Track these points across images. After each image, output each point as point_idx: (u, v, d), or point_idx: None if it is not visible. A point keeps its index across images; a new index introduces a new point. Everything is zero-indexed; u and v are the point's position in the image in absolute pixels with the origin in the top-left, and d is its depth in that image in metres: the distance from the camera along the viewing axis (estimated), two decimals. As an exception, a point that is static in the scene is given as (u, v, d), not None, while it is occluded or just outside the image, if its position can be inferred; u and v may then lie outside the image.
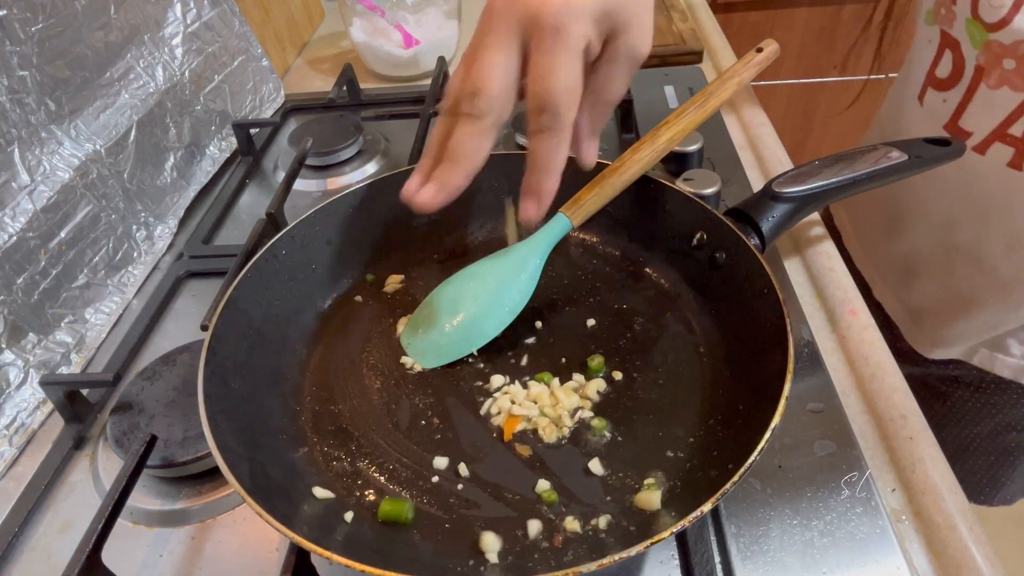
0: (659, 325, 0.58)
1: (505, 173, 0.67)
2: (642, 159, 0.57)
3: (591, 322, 0.59)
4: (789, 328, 0.46)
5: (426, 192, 0.45)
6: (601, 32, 0.42)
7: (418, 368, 0.57)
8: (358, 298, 0.63)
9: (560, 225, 0.56)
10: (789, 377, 0.43)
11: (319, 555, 0.38)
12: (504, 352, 0.57)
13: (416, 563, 0.43)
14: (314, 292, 0.62)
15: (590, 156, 0.48)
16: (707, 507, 0.38)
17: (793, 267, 0.69)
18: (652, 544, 0.37)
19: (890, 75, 0.99)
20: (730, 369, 0.53)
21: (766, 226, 0.58)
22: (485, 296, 0.57)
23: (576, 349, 0.57)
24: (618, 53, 0.42)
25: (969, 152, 0.74)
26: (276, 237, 0.59)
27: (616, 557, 0.36)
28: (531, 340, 0.58)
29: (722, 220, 0.57)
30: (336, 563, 0.37)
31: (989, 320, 0.81)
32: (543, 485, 0.47)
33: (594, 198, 0.56)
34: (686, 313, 0.59)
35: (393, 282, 0.64)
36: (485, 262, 0.59)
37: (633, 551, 0.37)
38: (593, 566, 0.36)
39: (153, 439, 0.51)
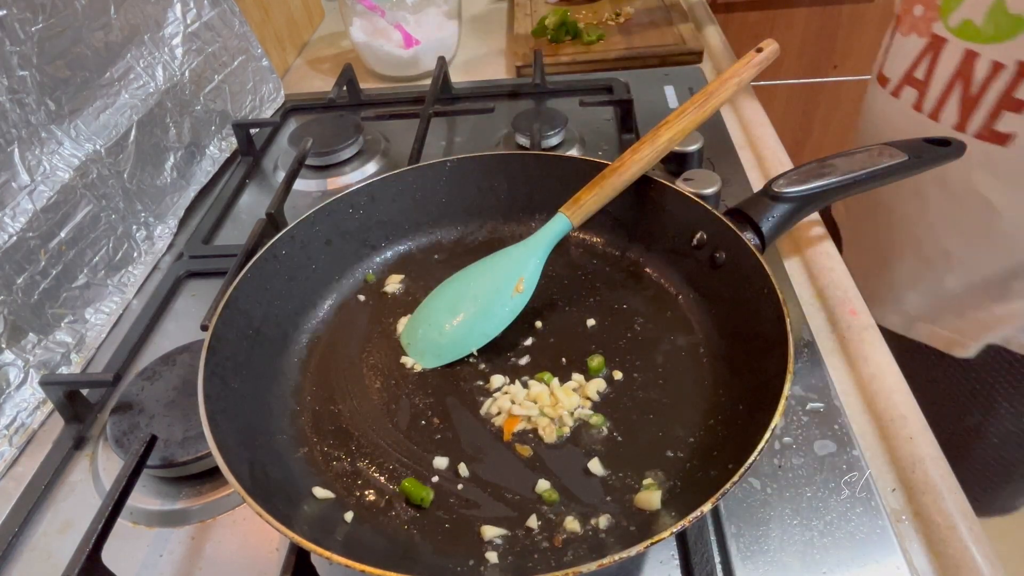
0: (659, 325, 0.58)
1: (506, 174, 0.67)
2: (642, 159, 0.57)
3: (591, 322, 0.59)
4: (789, 328, 0.46)
5: None
6: None
7: (418, 368, 0.57)
8: (360, 297, 0.63)
9: (560, 225, 0.57)
10: (789, 377, 0.43)
11: (319, 555, 0.38)
12: (504, 352, 0.57)
13: (416, 563, 0.43)
14: (314, 292, 0.62)
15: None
16: (707, 507, 0.38)
17: (793, 267, 0.69)
18: (652, 544, 0.37)
19: None
20: (730, 369, 0.53)
21: (766, 226, 0.58)
22: (485, 296, 0.57)
23: (576, 349, 0.57)
24: None
25: (887, 96, 0.83)
26: (276, 237, 0.59)
27: (616, 557, 0.36)
28: (531, 340, 0.58)
29: (722, 220, 0.56)
30: (336, 563, 0.37)
31: (908, 278, 0.88)
32: (543, 485, 0.47)
33: (594, 198, 0.57)
34: (686, 313, 0.59)
35: (393, 282, 0.64)
36: (485, 262, 0.59)
37: (633, 551, 0.37)
38: (593, 566, 0.36)
39: (153, 439, 0.51)
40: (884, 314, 0.91)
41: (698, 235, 0.59)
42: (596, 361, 0.55)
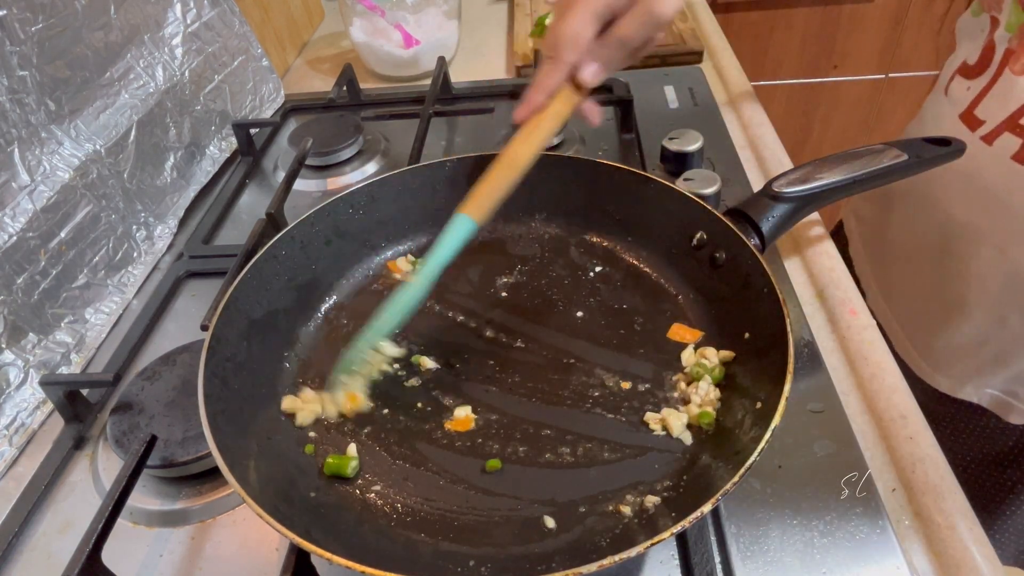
0: (659, 325, 0.58)
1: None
2: (530, 147, 0.54)
3: (579, 314, 0.59)
4: (789, 328, 0.46)
5: (517, 110, 0.54)
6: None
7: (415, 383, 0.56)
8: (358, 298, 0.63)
9: (465, 227, 0.52)
10: (789, 378, 0.44)
11: (319, 556, 0.38)
12: (495, 355, 0.57)
13: (416, 563, 0.43)
14: (314, 292, 0.62)
15: (584, 74, 0.52)
16: (707, 508, 0.38)
17: (793, 267, 0.69)
18: (652, 545, 0.37)
19: (891, 75, 0.97)
20: (730, 369, 0.53)
21: (766, 226, 0.58)
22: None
23: (575, 348, 0.57)
24: (637, 8, 0.50)
25: (976, 142, 0.71)
26: (276, 237, 0.59)
27: (616, 558, 0.36)
28: (520, 343, 0.58)
29: (721, 219, 0.57)
30: (336, 564, 0.37)
31: (976, 336, 0.77)
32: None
33: (493, 193, 0.53)
34: (687, 313, 0.59)
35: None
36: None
37: (633, 552, 0.37)
38: (593, 567, 0.36)
39: (153, 439, 0.51)
40: (931, 373, 0.84)
41: (698, 235, 0.59)
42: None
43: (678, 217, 0.60)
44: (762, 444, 0.40)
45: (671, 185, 0.61)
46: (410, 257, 0.66)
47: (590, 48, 0.51)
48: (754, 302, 0.51)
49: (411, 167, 0.66)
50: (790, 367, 0.44)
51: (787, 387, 0.43)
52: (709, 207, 0.58)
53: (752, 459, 0.39)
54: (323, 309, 0.62)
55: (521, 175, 0.54)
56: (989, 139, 0.70)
